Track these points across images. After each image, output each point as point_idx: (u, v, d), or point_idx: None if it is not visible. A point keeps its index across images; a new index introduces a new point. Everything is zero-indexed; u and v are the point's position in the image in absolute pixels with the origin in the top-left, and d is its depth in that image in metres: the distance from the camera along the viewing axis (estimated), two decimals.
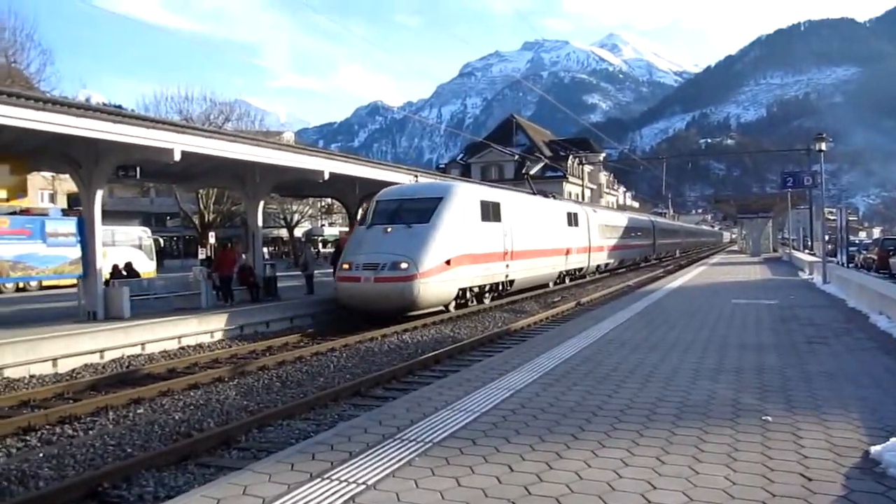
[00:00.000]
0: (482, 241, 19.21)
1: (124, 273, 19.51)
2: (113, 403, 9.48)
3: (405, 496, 4.00)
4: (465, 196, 19.00)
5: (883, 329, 10.36)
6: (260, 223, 21.05)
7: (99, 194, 15.19)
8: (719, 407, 5.85)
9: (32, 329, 12.98)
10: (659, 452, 4.66)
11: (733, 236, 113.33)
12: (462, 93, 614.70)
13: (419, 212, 17.60)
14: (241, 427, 7.97)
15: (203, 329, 15.04)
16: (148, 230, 35.39)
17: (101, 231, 15.58)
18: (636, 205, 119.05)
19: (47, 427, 8.47)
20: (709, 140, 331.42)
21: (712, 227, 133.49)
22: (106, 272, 17.32)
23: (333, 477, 4.33)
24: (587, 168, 73.77)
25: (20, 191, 15.04)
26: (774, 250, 51.85)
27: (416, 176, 24.01)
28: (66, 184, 37.94)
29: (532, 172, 57.98)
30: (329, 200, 50.84)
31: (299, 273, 22.80)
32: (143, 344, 13.66)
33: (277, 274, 20.80)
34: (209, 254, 36.97)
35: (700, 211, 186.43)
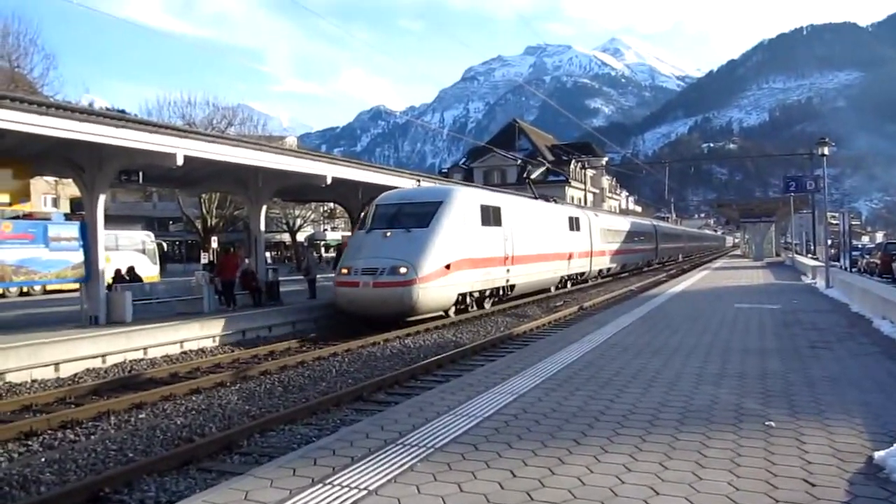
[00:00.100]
0: (482, 246, 19.10)
1: (126, 277, 19.51)
2: (115, 408, 9.47)
3: (407, 501, 3.99)
4: (465, 200, 18.91)
5: (886, 334, 10.33)
6: (262, 228, 21.06)
7: (102, 199, 15.20)
8: (722, 412, 5.83)
9: (34, 333, 12.98)
10: (662, 458, 4.65)
11: (736, 241, 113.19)
12: (465, 97, 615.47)
13: (419, 216, 17.51)
14: (243, 432, 7.95)
15: (205, 334, 15.03)
16: (151, 234, 35.47)
17: (105, 235, 15.60)
18: (639, 209, 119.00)
19: (49, 432, 8.46)
20: (711, 144, 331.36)
21: (715, 231, 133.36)
22: (108, 277, 17.32)
23: (335, 482, 4.31)
24: (590, 172, 73.87)
25: (23, 195, 15.07)
26: (777, 255, 51.80)
27: (419, 180, 24.01)
28: (69, 188, 37.97)
29: (534, 177, 58.07)
30: (332, 205, 50.83)
31: (302, 278, 22.79)
32: (145, 348, 13.66)
33: (280, 278, 20.81)
34: (211, 258, 37.00)
35: (703, 215, 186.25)
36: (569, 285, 28.78)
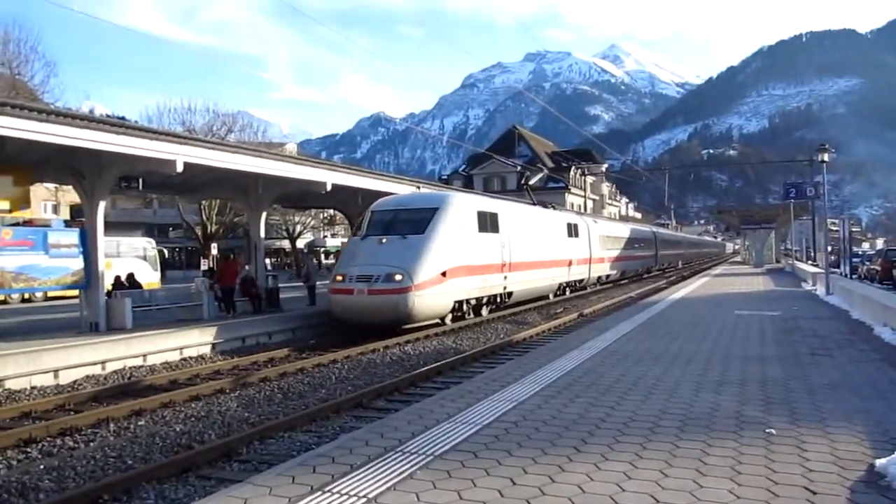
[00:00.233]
0: (479, 253, 18.92)
1: (126, 284, 19.50)
2: (114, 415, 9.45)
3: None
4: (462, 206, 18.76)
5: (887, 341, 10.31)
6: (262, 234, 21.07)
7: (102, 205, 15.21)
8: (723, 419, 5.82)
9: (34, 340, 12.97)
10: (662, 465, 4.64)
11: (736, 247, 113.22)
12: (464, 104, 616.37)
13: (414, 222, 17.33)
14: (243, 439, 7.93)
15: (205, 340, 15.02)
16: (153, 241, 35.52)
17: (106, 242, 15.60)
18: (638, 216, 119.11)
19: (48, 439, 8.44)
20: (711, 151, 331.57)
21: (715, 238, 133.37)
22: (108, 283, 17.31)
23: (334, 490, 4.30)
24: (589, 179, 73.98)
25: (23, 202, 15.06)
26: (777, 261, 51.77)
27: (419, 186, 24.03)
28: (69, 195, 38.03)
29: (534, 183, 58.02)
30: (331, 212, 50.90)
31: (301, 284, 22.78)
32: (144, 355, 13.64)
33: (280, 285, 20.79)
34: (211, 265, 37.00)
35: (703, 222, 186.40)
36: (567, 292, 28.66)
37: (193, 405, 10.15)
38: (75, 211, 41.64)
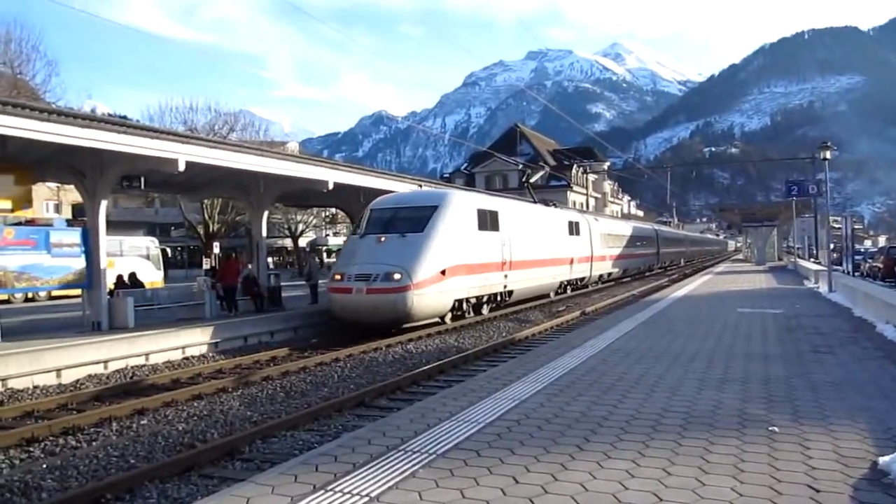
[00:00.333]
0: (479, 251, 18.80)
1: (128, 283, 19.52)
2: (116, 414, 9.47)
3: None
4: (462, 204, 18.65)
5: (890, 338, 10.29)
6: (264, 233, 21.08)
7: (103, 205, 15.23)
8: (725, 417, 5.81)
9: (37, 339, 12.99)
10: (665, 464, 4.63)
11: (738, 245, 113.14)
12: (466, 102, 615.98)
13: (413, 220, 17.23)
14: (245, 438, 7.94)
15: (207, 339, 15.04)
16: (155, 240, 35.55)
17: (109, 241, 15.61)
18: (640, 214, 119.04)
19: (51, 438, 8.46)
20: (713, 149, 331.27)
21: (717, 235, 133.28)
22: (110, 282, 17.33)
23: (337, 489, 4.30)
24: (591, 177, 73.86)
25: (25, 201, 15.07)
26: (779, 259, 51.73)
27: (420, 185, 24.01)
28: (71, 194, 38.09)
29: (535, 181, 57.92)
30: (333, 210, 50.90)
31: (304, 283, 22.78)
32: (147, 354, 13.66)
33: (282, 284, 20.80)
34: (213, 264, 37.02)
35: (704, 220, 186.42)
36: (569, 291, 28.61)
37: (196, 404, 10.16)
38: (77, 210, 41.74)
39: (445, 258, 17.04)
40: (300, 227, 57.73)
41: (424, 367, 12.22)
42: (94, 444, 8.20)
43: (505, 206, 21.80)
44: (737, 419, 5.73)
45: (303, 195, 23.40)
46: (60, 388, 11.57)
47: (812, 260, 38.92)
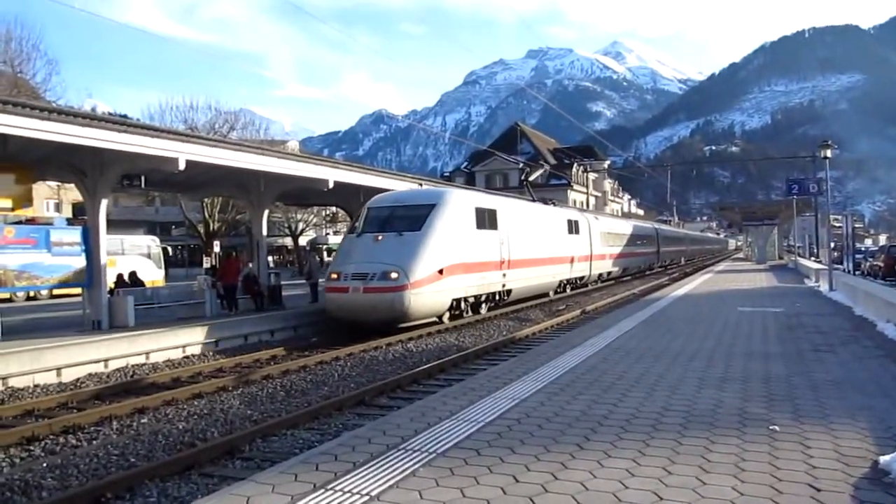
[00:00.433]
0: (477, 250, 18.69)
1: (128, 282, 19.52)
2: (117, 413, 9.47)
3: None
4: (459, 203, 18.53)
5: (891, 337, 10.29)
6: (264, 232, 21.07)
7: (104, 203, 15.22)
8: (726, 416, 5.81)
9: (37, 338, 12.99)
10: (665, 463, 4.63)
11: (738, 244, 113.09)
12: (466, 101, 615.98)
13: (411, 219, 17.11)
14: (245, 437, 7.94)
15: (207, 338, 15.04)
16: (157, 239, 35.58)
17: (110, 240, 15.59)
18: (641, 212, 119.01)
19: (51, 437, 8.46)
20: (713, 147, 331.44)
21: (717, 234, 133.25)
22: (111, 281, 17.32)
23: (337, 488, 4.30)
24: (592, 176, 73.88)
25: (26, 200, 15.08)
26: (780, 258, 51.72)
27: (421, 183, 23.99)
28: (72, 193, 38.12)
29: (535, 179, 57.85)
30: (334, 209, 50.92)
31: (304, 282, 22.78)
32: (147, 353, 13.66)
33: (282, 283, 20.80)
34: (214, 263, 37.05)
35: (705, 218, 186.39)
36: (568, 290, 28.51)
37: (196, 403, 10.16)
38: (77, 209, 41.77)
39: (443, 257, 16.93)
40: (300, 225, 57.74)
41: (425, 366, 12.21)
42: (94, 442, 8.21)
43: (503, 205, 21.68)
44: (737, 418, 5.73)
45: (303, 194, 23.38)
46: (61, 387, 11.58)
47: (812, 259, 38.89)
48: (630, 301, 23.21)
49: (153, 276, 30.19)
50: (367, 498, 4.11)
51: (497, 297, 20.97)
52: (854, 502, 3.91)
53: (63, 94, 40.25)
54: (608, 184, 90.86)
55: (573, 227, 28.55)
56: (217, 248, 43.93)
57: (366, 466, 4.69)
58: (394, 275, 15.78)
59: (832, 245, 31.33)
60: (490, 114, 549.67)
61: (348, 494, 4.18)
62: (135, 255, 30.38)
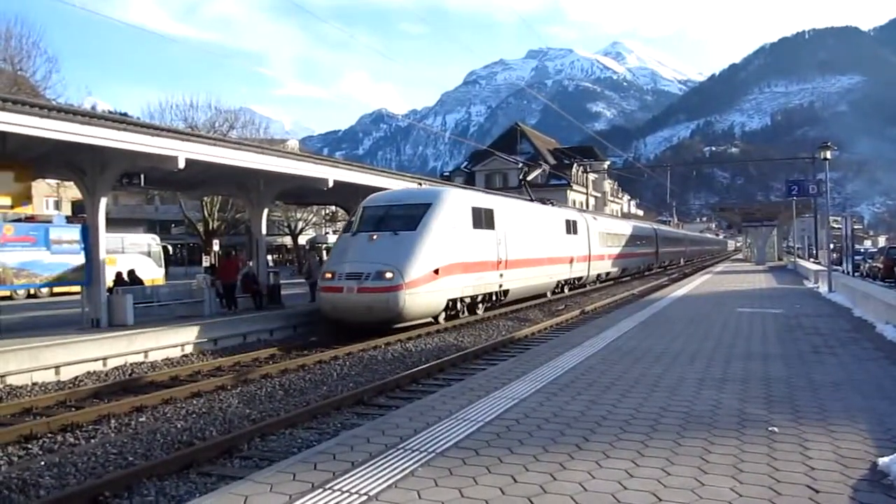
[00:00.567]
0: (474, 250, 18.53)
1: (127, 280, 19.49)
2: (115, 411, 9.45)
3: None
4: (456, 202, 18.36)
5: (890, 338, 10.30)
6: (264, 231, 21.05)
7: (103, 202, 15.20)
8: (725, 417, 5.80)
9: (36, 336, 12.97)
10: (664, 463, 4.62)
11: (738, 245, 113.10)
12: (466, 101, 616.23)
13: (406, 218, 16.95)
14: (244, 436, 7.92)
15: (206, 337, 15.02)
16: (157, 237, 35.58)
17: (111, 238, 15.57)
18: (640, 213, 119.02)
19: (49, 435, 8.44)
20: (713, 148, 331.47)
21: (717, 235, 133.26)
22: (110, 280, 17.31)
23: (335, 487, 4.29)
24: (591, 176, 73.84)
25: (25, 198, 15.05)
26: (779, 259, 51.76)
27: (421, 183, 23.96)
28: (71, 191, 38.10)
29: (535, 179, 57.81)
30: (333, 208, 50.88)
31: (303, 281, 22.77)
32: (146, 352, 13.65)
33: (281, 282, 20.78)
34: (213, 261, 37.03)
35: (704, 219, 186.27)
36: (566, 290, 28.41)
37: (194, 402, 10.15)
38: (77, 207, 41.75)
39: (439, 257, 16.79)
40: (300, 224, 57.73)
41: (424, 366, 12.20)
42: (92, 441, 8.19)
43: (500, 204, 21.53)
44: (736, 419, 5.73)
45: (303, 193, 23.37)
46: (59, 385, 11.56)
47: (812, 260, 38.93)
48: (629, 301, 23.21)
49: (153, 274, 30.22)
50: (365, 497, 4.11)
51: (494, 298, 20.84)
52: None
53: (63, 92, 40.21)
54: (608, 184, 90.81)
55: (571, 227, 28.48)
56: (216, 247, 43.91)
57: (364, 466, 4.69)
58: (389, 275, 15.63)
59: (831, 246, 31.36)
60: (490, 114, 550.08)
61: (346, 494, 4.17)
62: (135, 254, 30.39)
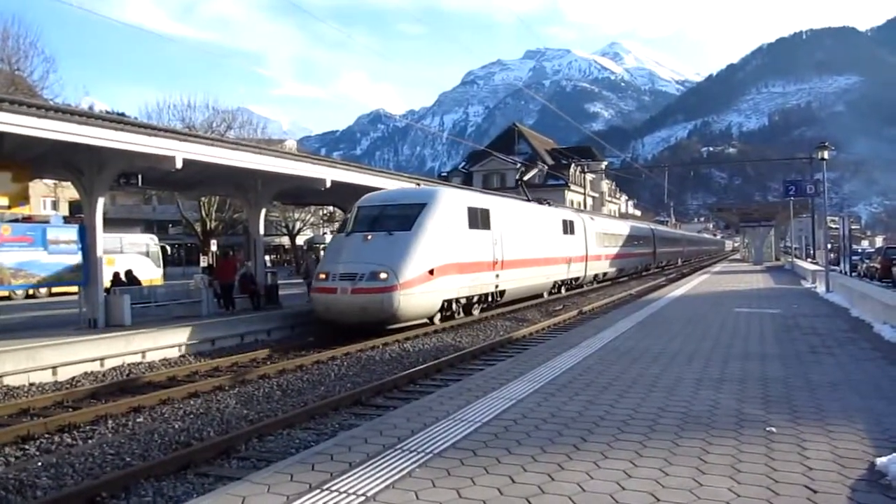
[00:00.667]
0: (469, 250, 18.44)
1: (125, 280, 19.47)
2: (112, 412, 9.44)
3: None
4: (451, 202, 18.26)
5: (887, 339, 10.31)
6: (262, 231, 21.03)
7: (100, 202, 15.17)
8: (723, 417, 5.81)
9: (33, 337, 12.95)
10: (662, 464, 4.62)
11: (735, 245, 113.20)
12: (464, 101, 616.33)
13: (401, 218, 16.85)
14: (241, 436, 7.91)
15: (204, 337, 15.00)
16: (155, 238, 35.56)
17: (108, 239, 15.54)
18: (638, 213, 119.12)
19: (46, 436, 8.42)
20: (711, 148, 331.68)
21: (714, 235, 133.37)
22: (107, 280, 17.28)
23: (333, 488, 4.29)
24: (589, 176, 73.96)
25: (22, 198, 15.03)
26: (777, 259, 51.83)
27: (419, 183, 23.94)
28: (69, 191, 38.01)
29: (533, 179, 57.96)
30: (331, 208, 50.84)
31: (301, 281, 22.74)
32: (143, 352, 13.62)
33: (279, 282, 20.76)
34: (210, 262, 37.01)
35: (702, 219, 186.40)
36: (563, 291, 28.39)
37: (192, 402, 10.13)
38: (74, 207, 41.65)
39: (433, 257, 16.68)
40: (298, 225, 57.71)
41: (421, 366, 12.20)
42: (89, 441, 8.18)
43: (496, 204, 21.44)
44: (734, 419, 5.73)
45: (300, 193, 23.35)
46: (56, 386, 11.54)
47: (809, 260, 38.94)
48: (627, 302, 23.23)
49: (152, 274, 30.19)
50: (363, 498, 4.10)
51: (490, 299, 20.75)
52: None
53: (60, 92, 40.11)
54: (606, 184, 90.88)
55: (568, 227, 28.44)
56: (214, 247, 43.90)
57: (362, 467, 4.68)
58: (383, 275, 15.51)
59: (829, 246, 31.37)
60: (488, 114, 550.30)
61: (344, 495, 4.16)
62: (133, 254, 30.35)
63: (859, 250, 48.59)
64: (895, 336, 10.28)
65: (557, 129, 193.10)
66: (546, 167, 66.78)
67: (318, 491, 4.24)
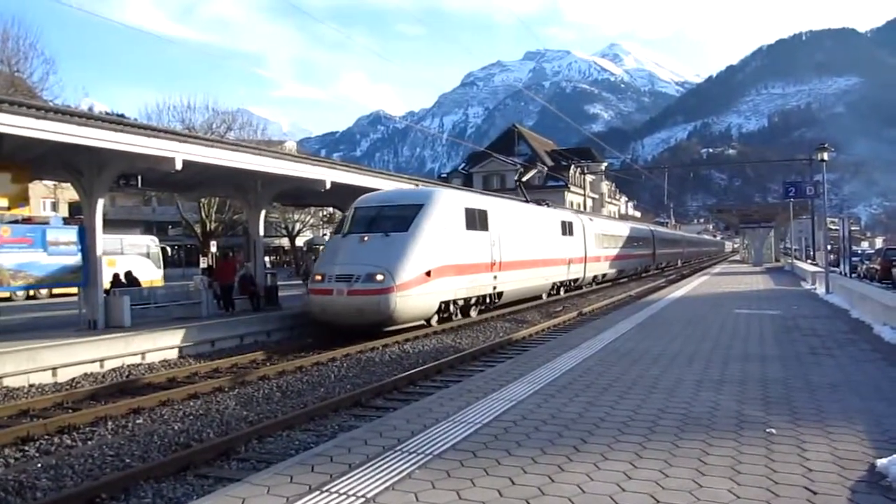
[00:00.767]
0: (467, 251, 18.34)
1: (124, 282, 19.46)
2: (112, 413, 9.43)
3: None
4: (448, 203, 18.17)
5: (887, 340, 10.31)
6: (261, 232, 21.02)
7: (100, 203, 15.17)
8: (723, 419, 5.80)
9: (33, 338, 12.94)
10: (662, 465, 4.62)
11: (735, 246, 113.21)
12: (464, 102, 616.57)
13: (398, 219, 16.76)
14: (241, 438, 7.91)
15: (203, 338, 14.99)
16: (156, 239, 35.57)
17: (109, 240, 15.53)
18: (638, 214, 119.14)
19: (46, 437, 8.42)
20: (710, 150, 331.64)
21: (714, 236, 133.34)
22: (107, 281, 17.28)
23: (332, 490, 4.28)
24: (589, 178, 73.99)
25: (22, 200, 15.01)
26: (776, 260, 51.82)
27: (418, 184, 23.94)
28: (68, 192, 38.00)
29: (533, 181, 57.91)
30: (331, 209, 50.82)
31: (300, 282, 22.73)
32: (143, 353, 13.62)
33: (279, 283, 20.75)
34: (210, 263, 36.99)
35: (702, 220, 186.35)
36: (562, 292, 28.29)
37: (192, 403, 10.13)
38: (74, 208, 41.67)
39: (431, 258, 16.59)
40: (297, 226, 57.65)
41: (421, 367, 12.19)
42: (89, 443, 8.17)
43: (494, 206, 21.34)
44: (734, 421, 5.73)
45: (300, 194, 23.35)
46: (56, 387, 11.53)
47: (809, 261, 38.95)
48: (627, 303, 23.23)
49: (152, 275, 30.20)
50: (362, 500, 4.10)
51: (488, 300, 20.67)
52: None
53: (60, 94, 40.09)
54: (605, 186, 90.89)
55: (567, 228, 28.38)
56: (214, 249, 43.86)
57: (362, 468, 4.68)
58: (379, 277, 15.41)
59: (829, 248, 31.40)
60: (487, 115, 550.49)
61: (344, 496, 4.16)
62: (134, 255, 30.36)
63: (859, 251, 48.59)
64: (895, 337, 10.27)
65: (557, 131, 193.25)
66: (546, 168, 66.80)
67: (317, 492, 4.24)
